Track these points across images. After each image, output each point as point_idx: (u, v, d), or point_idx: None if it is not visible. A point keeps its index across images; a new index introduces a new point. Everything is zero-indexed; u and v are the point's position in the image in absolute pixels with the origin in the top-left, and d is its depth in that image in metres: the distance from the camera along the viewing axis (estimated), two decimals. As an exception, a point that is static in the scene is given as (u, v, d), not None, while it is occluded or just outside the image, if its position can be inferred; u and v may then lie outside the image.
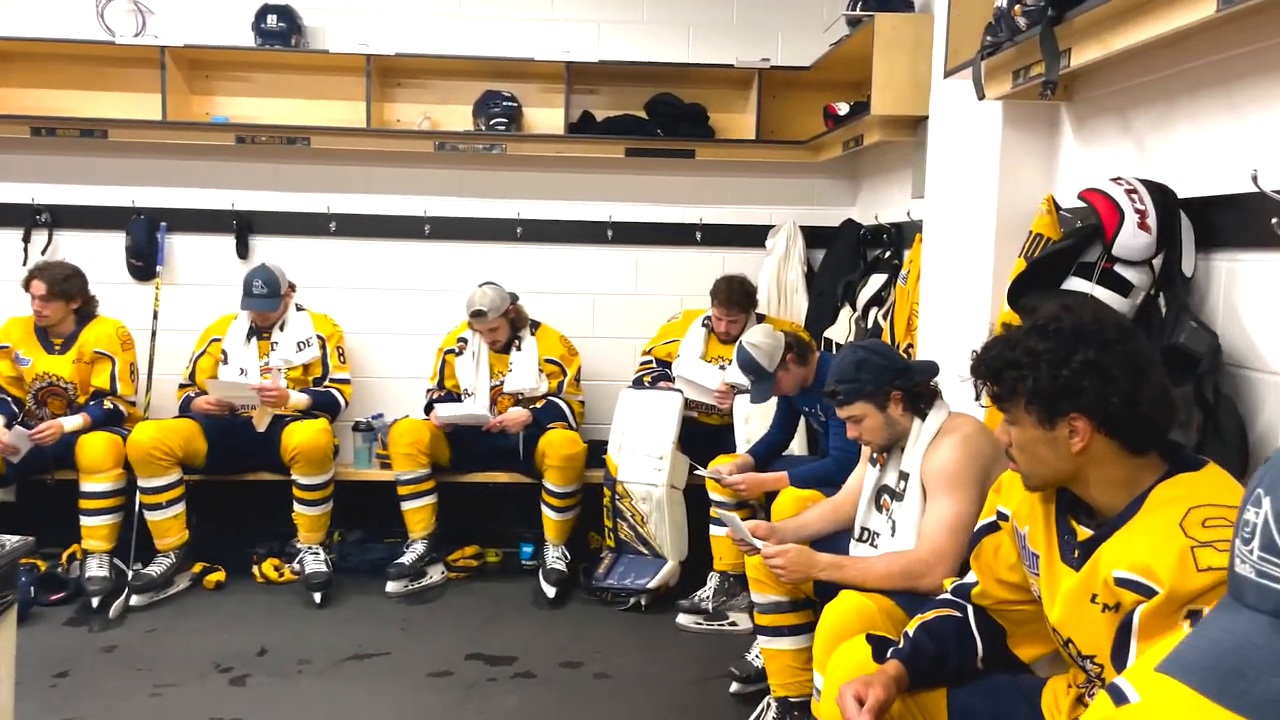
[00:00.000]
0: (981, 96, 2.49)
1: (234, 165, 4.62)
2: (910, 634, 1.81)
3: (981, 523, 1.83)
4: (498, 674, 3.38)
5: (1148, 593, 1.34)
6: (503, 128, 4.50)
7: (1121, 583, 1.39)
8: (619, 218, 4.77)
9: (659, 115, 4.58)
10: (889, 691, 1.69)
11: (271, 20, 4.37)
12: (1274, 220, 1.76)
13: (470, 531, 4.49)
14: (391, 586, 4.07)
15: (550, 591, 4.02)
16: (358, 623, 3.79)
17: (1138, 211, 2.04)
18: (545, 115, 4.66)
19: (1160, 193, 2.07)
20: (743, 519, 3.61)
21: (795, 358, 3.43)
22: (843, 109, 4.08)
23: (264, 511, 4.34)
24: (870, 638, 1.87)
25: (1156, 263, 2.08)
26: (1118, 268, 2.10)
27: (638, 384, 4.38)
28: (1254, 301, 1.93)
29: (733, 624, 3.78)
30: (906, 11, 3.76)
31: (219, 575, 4.13)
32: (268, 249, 4.64)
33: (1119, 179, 2.11)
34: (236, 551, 4.28)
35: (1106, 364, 1.46)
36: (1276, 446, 1.83)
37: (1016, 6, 2.27)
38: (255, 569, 4.22)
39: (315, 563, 4.07)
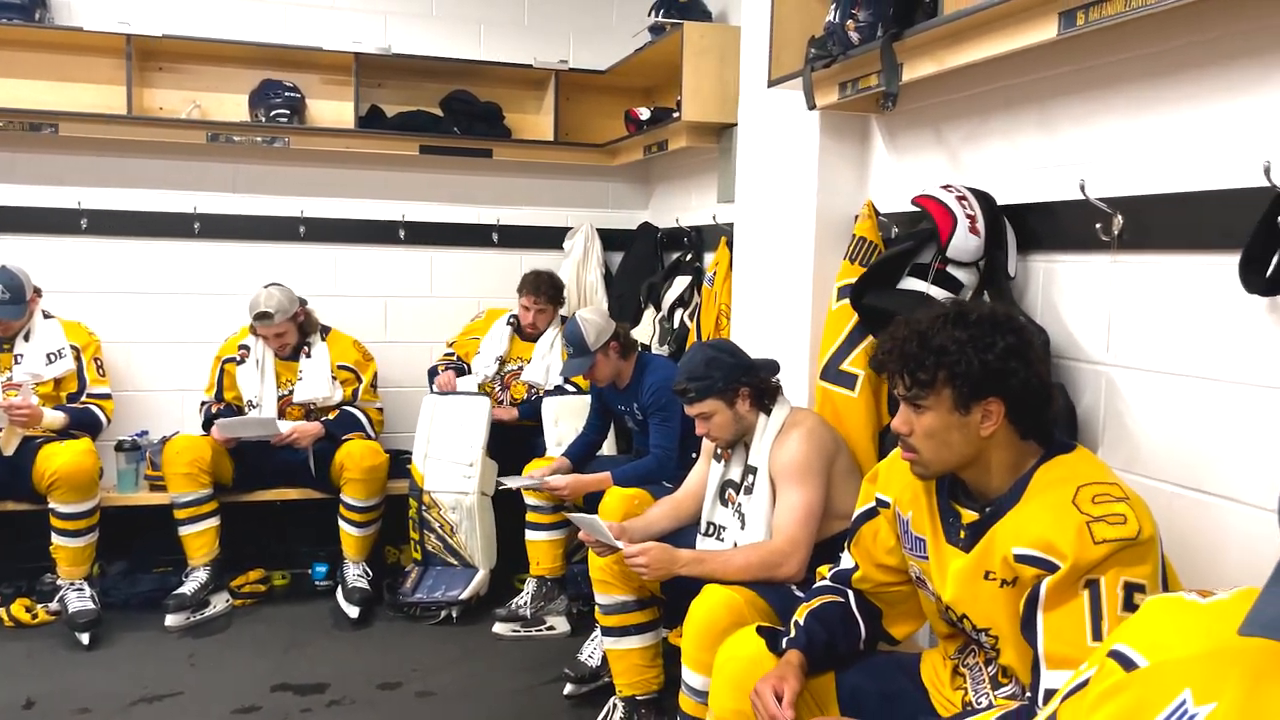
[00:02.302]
0: (812, 106, 2.61)
1: (-38, 154, 4.05)
2: (801, 622, 1.87)
3: (859, 510, 1.92)
4: (311, 704, 3.16)
5: (1050, 567, 1.46)
6: (284, 120, 4.22)
7: (1022, 559, 1.51)
8: (412, 217, 4.61)
9: (456, 113, 4.47)
10: (801, 682, 1.74)
11: (10, -10, 3.85)
12: (1098, 225, 1.98)
13: (252, 554, 4.16)
14: (172, 619, 3.70)
15: (353, 612, 3.81)
16: (138, 662, 3.41)
17: (968, 216, 2.22)
18: (330, 108, 4.41)
19: (985, 199, 2.27)
20: (555, 523, 3.65)
21: (619, 348, 3.47)
22: (644, 114, 4.14)
23: (3, 546, 3.83)
24: (761, 629, 1.92)
25: (982, 264, 2.27)
26: (950, 268, 2.27)
27: (431, 373, 4.28)
28: (1070, 298, 2.15)
29: (550, 628, 3.74)
30: (705, 21, 3.88)
31: (-43, 622, 3.59)
32: (4, 249, 4.07)
33: (949, 186, 2.28)
34: (-27, 595, 3.75)
35: (1023, 349, 1.58)
36: (1098, 427, 2.06)
37: (850, 21, 2.41)
38: (2, 612, 3.70)
39: (80, 600, 3.62)
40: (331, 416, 4.02)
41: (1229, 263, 1.67)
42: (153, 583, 3.97)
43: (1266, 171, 1.60)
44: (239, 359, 4.04)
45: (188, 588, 3.76)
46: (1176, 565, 1.62)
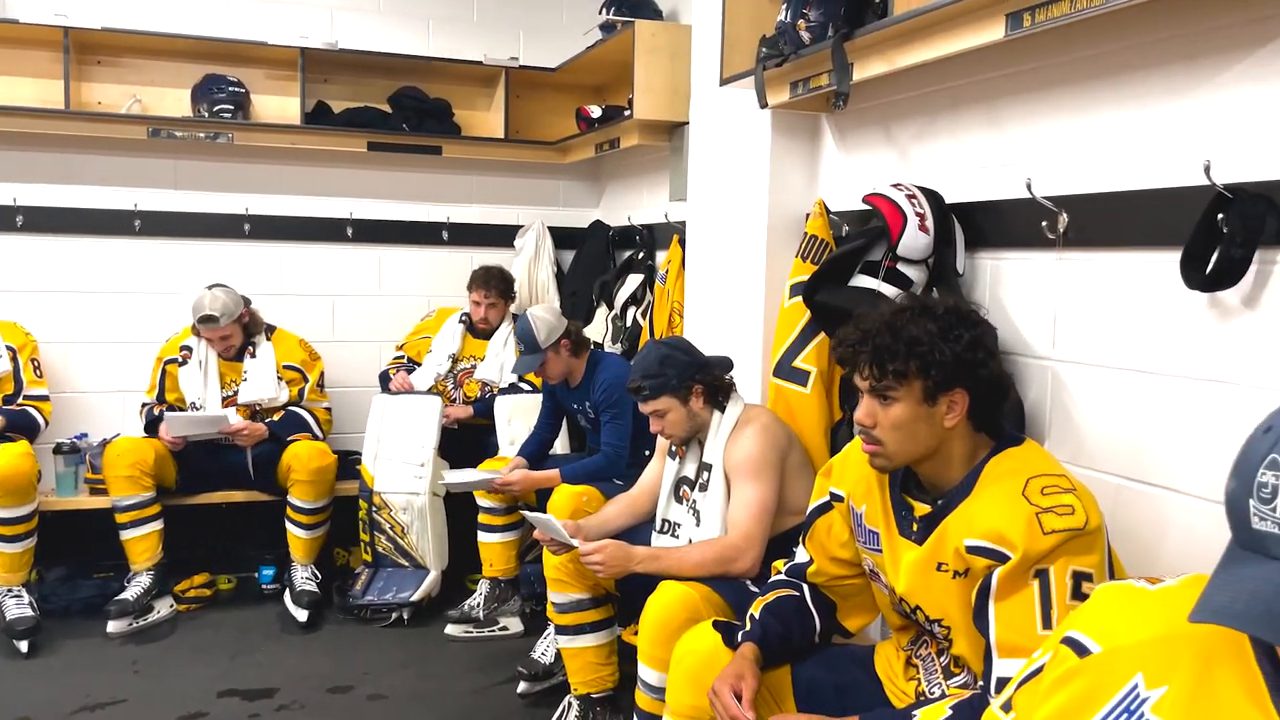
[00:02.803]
0: (764, 105, 2.62)
1: (-110, 148, 3.92)
2: (756, 616, 1.88)
3: (814, 504, 1.94)
4: (260, 709, 3.11)
5: (1001, 558, 1.49)
6: (228, 115, 4.14)
7: (974, 550, 1.53)
8: (360, 215, 4.55)
9: (404, 109, 4.42)
10: (758, 679, 1.75)
11: (-61, -21, 3.73)
12: (1044, 223, 2.02)
13: (197, 558, 4.08)
14: (114, 626, 3.62)
15: (302, 615, 3.76)
16: (80, 670, 3.33)
17: (918, 215, 2.25)
18: (275, 104, 4.34)
19: (934, 198, 2.30)
20: (509, 524, 3.63)
21: (570, 346, 3.46)
22: (595, 112, 4.14)
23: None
24: (717, 624, 1.93)
25: (931, 261, 2.30)
26: (900, 265, 2.30)
27: (383, 378, 4.23)
28: (1016, 295, 2.19)
29: (503, 629, 3.72)
30: (656, 19, 3.89)
31: (-112, 633, 3.47)
32: (-65, 247, 3.97)
33: (899, 184, 2.31)
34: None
35: (984, 340, 1.62)
36: (1045, 420, 2.10)
37: (801, 21, 2.43)
38: (-65, 622, 3.59)
39: (18, 607, 3.52)
40: (277, 417, 3.96)
41: (1171, 259, 1.71)
42: (94, 588, 3.89)
43: (1207, 170, 1.65)
44: (181, 360, 3.95)
45: (130, 593, 3.68)
46: (1121, 554, 1.66)
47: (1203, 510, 1.73)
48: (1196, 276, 1.66)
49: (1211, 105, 1.72)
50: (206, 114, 4.15)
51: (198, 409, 3.91)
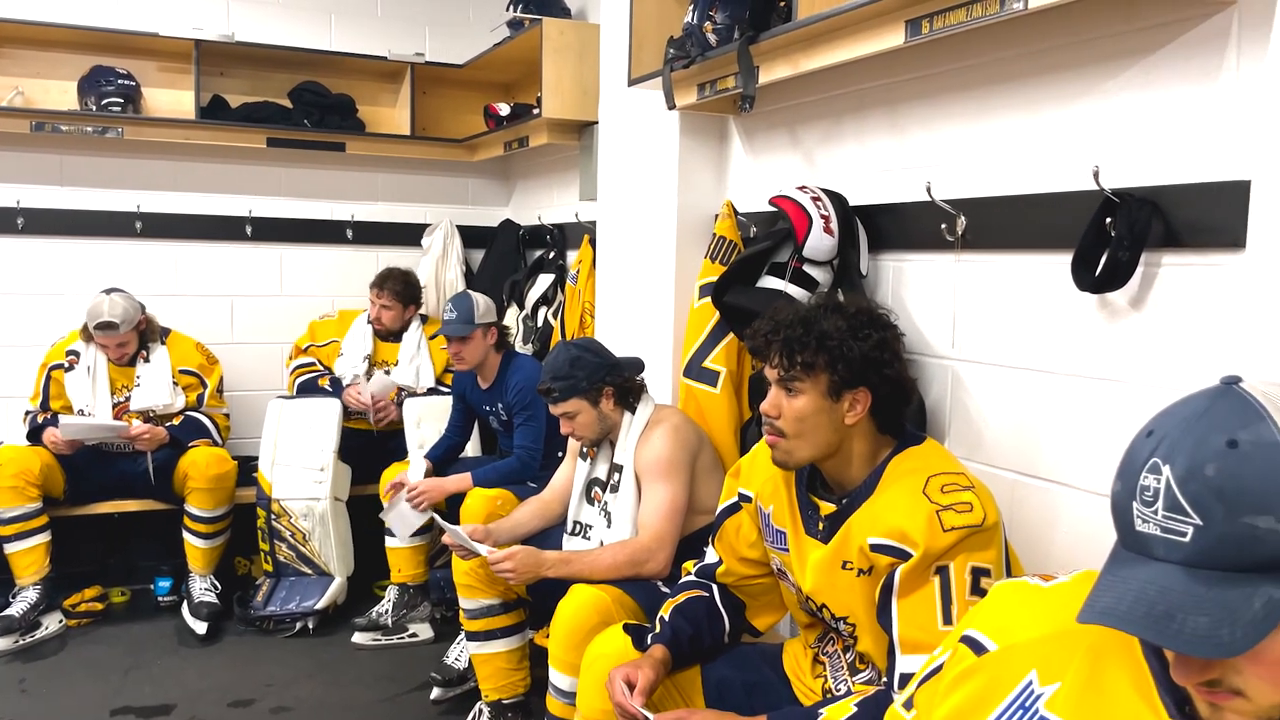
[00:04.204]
0: (672, 106, 2.62)
1: None
2: (666, 618, 1.88)
3: (723, 505, 1.95)
4: (156, 727, 3.00)
5: (903, 555, 1.52)
6: (118, 109, 3.97)
7: (877, 548, 1.56)
8: (260, 212, 4.41)
9: (306, 104, 4.30)
10: (658, 673, 1.75)
11: None
12: (943, 226, 2.06)
13: (88, 570, 3.91)
14: (-1, 644, 3.45)
15: (200, 628, 3.62)
16: (-40, 693, 3.17)
17: (823, 217, 2.28)
18: (168, 97, 4.18)
19: (839, 200, 2.33)
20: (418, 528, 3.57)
21: (496, 336, 3.43)
22: (504, 109, 4.10)
23: None
24: (628, 627, 1.92)
25: (836, 263, 2.34)
26: (806, 267, 2.33)
27: (303, 388, 4.08)
28: (917, 296, 2.24)
29: (413, 635, 3.66)
30: (564, 18, 3.86)
31: None
32: None
33: (804, 187, 2.34)
34: None
35: (891, 343, 1.65)
36: (945, 419, 2.15)
37: (707, 24, 2.44)
38: None
39: (-107, 627, 3.34)
40: (176, 422, 3.82)
41: (1062, 262, 1.77)
42: (-24, 605, 3.70)
43: (1095, 176, 1.70)
44: (67, 365, 3.77)
45: (15, 609, 3.51)
46: (1015, 547, 1.71)
47: (1091, 503, 1.79)
48: (1087, 278, 1.72)
49: (1100, 112, 1.78)
50: (94, 107, 3.97)
51: (87, 416, 3.74)
